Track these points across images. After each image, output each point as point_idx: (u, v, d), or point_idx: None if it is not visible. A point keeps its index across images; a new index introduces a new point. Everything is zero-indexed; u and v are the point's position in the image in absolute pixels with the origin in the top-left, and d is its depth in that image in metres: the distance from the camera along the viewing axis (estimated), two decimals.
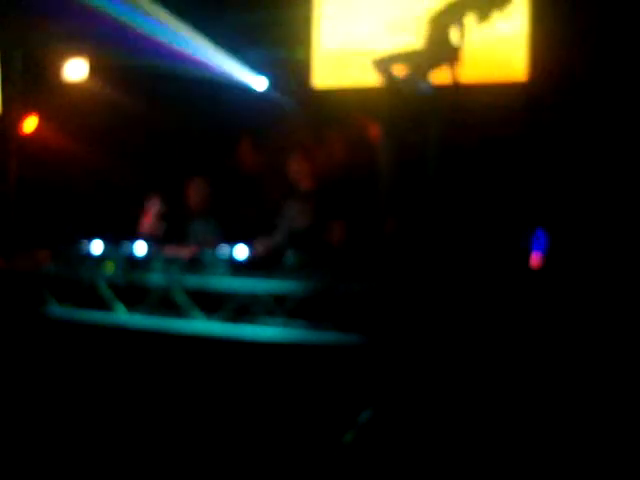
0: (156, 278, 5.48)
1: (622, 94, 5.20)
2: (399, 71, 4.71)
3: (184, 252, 5.76)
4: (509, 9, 4.62)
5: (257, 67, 6.53)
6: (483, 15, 4.56)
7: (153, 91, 6.54)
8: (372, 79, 4.82)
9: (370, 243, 4.95)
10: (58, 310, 5.71)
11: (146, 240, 5.86)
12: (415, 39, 4.74)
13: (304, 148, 6.24)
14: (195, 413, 5.58)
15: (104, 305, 5.59)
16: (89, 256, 5.68)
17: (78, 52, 6.43)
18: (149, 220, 6.23)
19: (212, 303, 5.36)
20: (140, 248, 5.61)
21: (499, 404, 5.13)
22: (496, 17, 4.57)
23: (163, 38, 5.97)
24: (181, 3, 6.15)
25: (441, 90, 4.74)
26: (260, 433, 5.41)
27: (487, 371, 5.14)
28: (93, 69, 6.52)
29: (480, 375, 5.14)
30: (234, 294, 5.29)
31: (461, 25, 4.64)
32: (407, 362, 4.85)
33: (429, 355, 4.82)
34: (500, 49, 4.68)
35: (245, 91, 6.73)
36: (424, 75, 4.70)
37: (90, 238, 5.72)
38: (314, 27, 4.92)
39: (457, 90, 4.72)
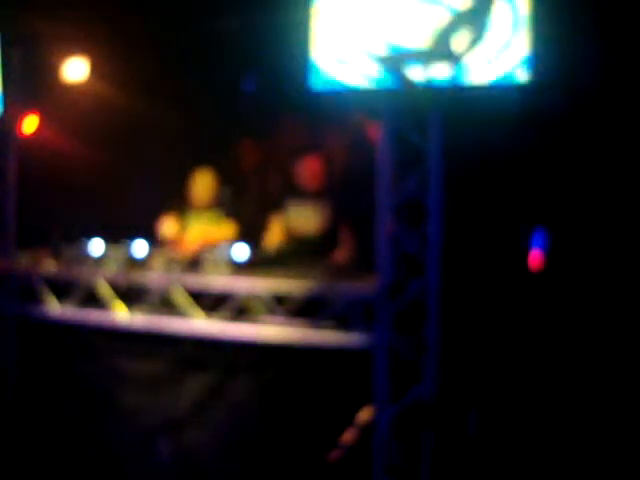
0: (156, 278, 5.48)
1: (624, 95, 5.21)
2: (409, 70, 4.72)
3: (184, 252, 5.76)
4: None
5: (256, 69, 6.54)
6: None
7: (154, 91, 6.54)
8: (372, 80, 4.82)
9: (372, 244, 4.95)
10: (58, 310, 5.71)
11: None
12: (417, 38, 4.74)
13: (306, 151, 6.25)
14: (195, 413, 5.58)
15: (104, 305, 5.58)
16: (89, 256, 5.68)
17: (78, 52, 6.44)
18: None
19: (212, 303, 5.36)
20: (140, 248, 5.61)
21: (499, 405, 5.14)
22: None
23: None
24: (178, 4, 6.15)
25: (442, 91, 4.74)
26: (260, 433, 5.41)
27: (485, 370, 5.14)
28: (93, 69, 6.52)
29: (479, 374, 5.14)
30: (234, 294, 5.28)
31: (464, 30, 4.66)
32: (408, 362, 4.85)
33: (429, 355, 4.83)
34: (499, 50, 4.68)
35: (246, 92, 6.75)
36: (427, 74, 4.70)
37: (90, 238, 5.72)
38: (313, 28, 4.91)
39: (457, 91, 4.72)
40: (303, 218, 6.08)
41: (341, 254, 5.79)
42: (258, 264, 5.49)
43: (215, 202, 6.32)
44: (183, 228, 6.27)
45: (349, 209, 5.97)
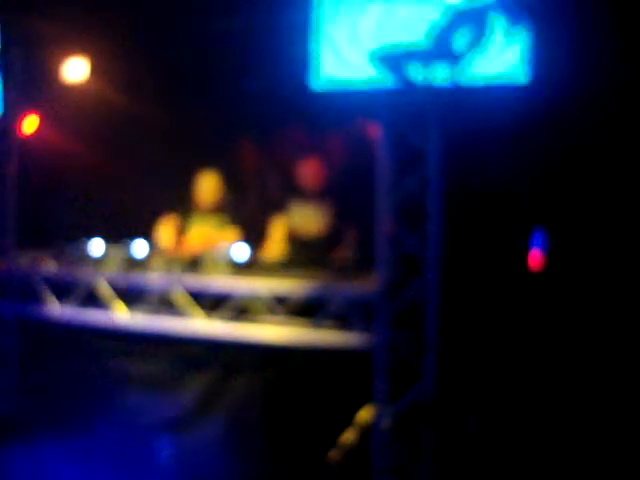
0: (156, 278, 5.48)
1: (624, 94, 5.21)
2: (409, 70, 4.72)
3: (184, 252, 5.76)
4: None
5: (256, 69, 6.54)
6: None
7: (153, 91, 6.54)
8: (372, 80, 4.83)
9: (374, 245, 4.95)
10: (58, 310, 5.71)
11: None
12: (418, 38, 4.74)
13: (308, 151, 6.25)
14: (195, 413, 5.58)
15: (104, 305, 5.58)
16: (89, 256, 5.68)
17: (78, 52, 6.44)
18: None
19: (212, 303, 5.36)
20: (140, 248, 5.61)
21: (499, 407, 5.14)
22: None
23: None
24: (178, 4, 6.15)
25: (442, 91, 4.74)
26: (260, 433, 5.41)
27: (485, 370, 5.14)
28: (93, 69, 6.52)
29: (478, 375, 5.14)
30: (234, 294, 5.28)
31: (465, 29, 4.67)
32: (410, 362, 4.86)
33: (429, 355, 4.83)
34: (499, 50, 4.69)
35: (246, 92, 6.74)
36: (427, 73, 4.71)
37: (90, 238, 5.72)
38: (313, 29, 4.92)
39: (457, 91, 4.73)
40: (305, 218, 6.08)
41: (343, 252, 5.78)
42: (260, 269, 5.49)
43: (220, 206, 6.28)
44: (185, 229, 6.25)
45: (350, 209, 5.97)
